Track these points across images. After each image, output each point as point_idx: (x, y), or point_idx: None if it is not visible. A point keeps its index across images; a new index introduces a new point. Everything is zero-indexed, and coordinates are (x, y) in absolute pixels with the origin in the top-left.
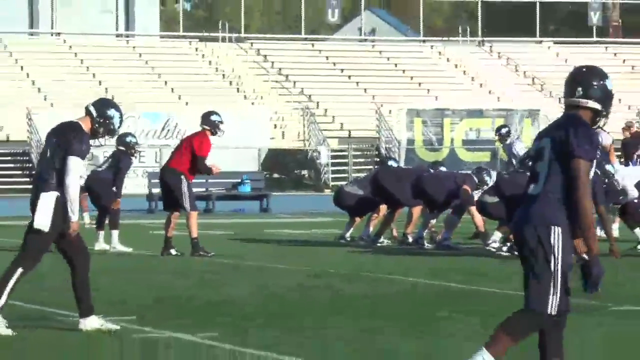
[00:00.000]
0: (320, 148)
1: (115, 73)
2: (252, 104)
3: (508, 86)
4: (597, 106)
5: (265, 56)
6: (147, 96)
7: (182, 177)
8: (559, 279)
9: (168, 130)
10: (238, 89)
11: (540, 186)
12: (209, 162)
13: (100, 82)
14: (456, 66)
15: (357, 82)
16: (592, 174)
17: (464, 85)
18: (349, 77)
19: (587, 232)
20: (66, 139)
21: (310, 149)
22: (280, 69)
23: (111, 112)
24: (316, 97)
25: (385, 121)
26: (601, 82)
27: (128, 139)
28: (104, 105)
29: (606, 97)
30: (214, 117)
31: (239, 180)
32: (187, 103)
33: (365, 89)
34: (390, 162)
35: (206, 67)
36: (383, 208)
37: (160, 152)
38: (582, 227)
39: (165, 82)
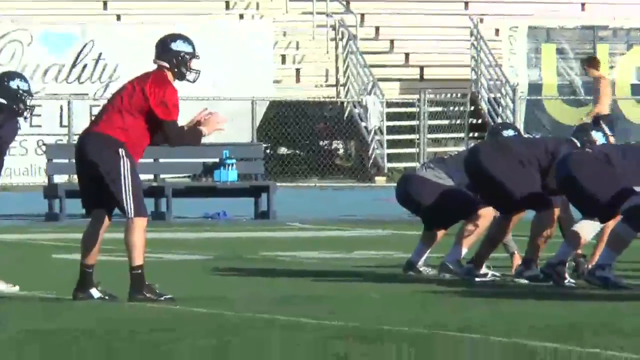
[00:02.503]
0: (367, 99)
1: None
2: (241, 17)
3: None
4: None
5: None
6: (46, 3)
7: (121, 151)
8: None
9: (84, 67)
10: None
11: None
12: (184, 116)
13: None
14: None
15: None
16: None
17: None
18: None
19: None
20: None
21: (349, 100)
22: None
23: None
24: (359, 5)
25: (489, 49)
26: None
27: (13, 83)
28: None
29: None
30: (178, 45)
31: (216, 160)
32: (119, 17)
33: None
34: (506, 132)
35: None
36: (487, 213)
37: (69, 107)
38: None
39: None
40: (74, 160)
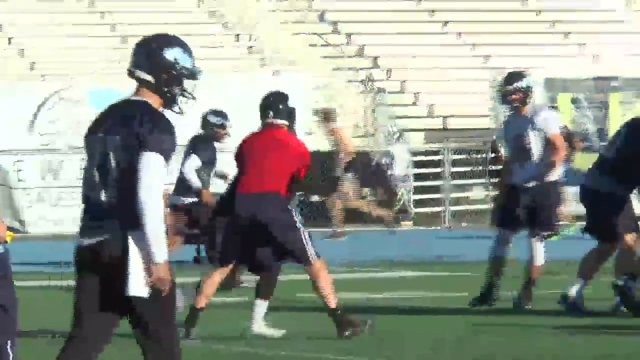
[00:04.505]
0: (393, 149)
1: (35, 28)
2: (276, 73)
3: None
4: None
5: None
6: (92, 63)
7: (290, 207)
8: None
9: None
10: (251, 47)
11: None
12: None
13: (9, 40)
14: (628, 0)
15: (459, 33)
16: None
17: None
18: (444, 23)
19: None
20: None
21: (376, 150)
22: (323, 11)
23: (172, 52)
24: (386, 60)
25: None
26: None
27: (209, 117)
28: (156, 46)
29: None
30: (290, 103)
31: None
32: None
33: (472, 45)
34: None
35: (194, 8)
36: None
37: None
38: None
39: (125, 39)
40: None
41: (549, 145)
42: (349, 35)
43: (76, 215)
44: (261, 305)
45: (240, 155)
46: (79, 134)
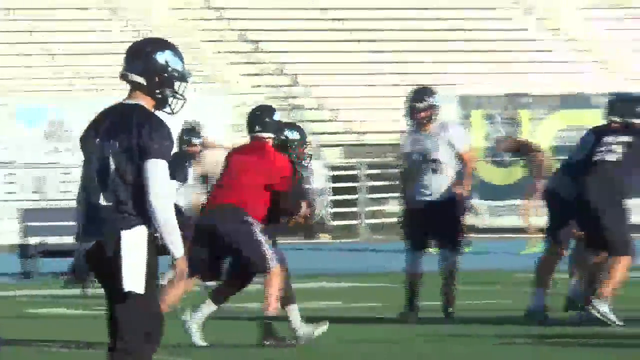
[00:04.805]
0: (312, 163)
1: None
2: (194, 90)
3: None
4: None
5: (220, 10)
6: (21, 80)
7: (251, 219)
8: None
9: (58, 138)
10: None
11: None
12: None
13: None
14: (540, 20)
15: (373, 51)
16: None
17: (557, 53)
18: (359, 42)
19: None
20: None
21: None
22: (244, 31)
23: (163, 55)
24: (305, 78)
25: None
26: None
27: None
28: (148, 49)
29: None
30: (276, 117)
31: None
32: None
33: (389, 63)
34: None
35: (124, 28)
36: None
37: (43, 175)
38: None
39: (53, 57)
40: (46, 223)
41: (459, 160)
42: (268, 52)
43: (8, 229)
44: (209, 306)
45: (224, 166)
46: (6, 149)
